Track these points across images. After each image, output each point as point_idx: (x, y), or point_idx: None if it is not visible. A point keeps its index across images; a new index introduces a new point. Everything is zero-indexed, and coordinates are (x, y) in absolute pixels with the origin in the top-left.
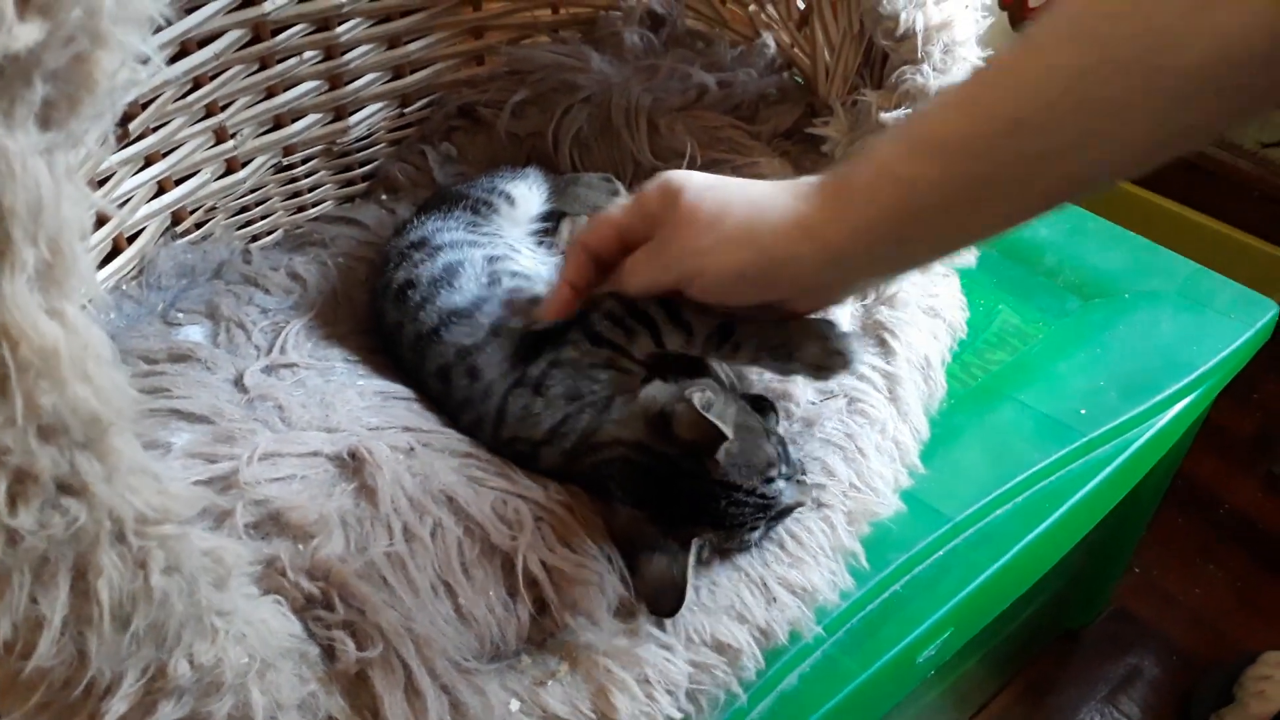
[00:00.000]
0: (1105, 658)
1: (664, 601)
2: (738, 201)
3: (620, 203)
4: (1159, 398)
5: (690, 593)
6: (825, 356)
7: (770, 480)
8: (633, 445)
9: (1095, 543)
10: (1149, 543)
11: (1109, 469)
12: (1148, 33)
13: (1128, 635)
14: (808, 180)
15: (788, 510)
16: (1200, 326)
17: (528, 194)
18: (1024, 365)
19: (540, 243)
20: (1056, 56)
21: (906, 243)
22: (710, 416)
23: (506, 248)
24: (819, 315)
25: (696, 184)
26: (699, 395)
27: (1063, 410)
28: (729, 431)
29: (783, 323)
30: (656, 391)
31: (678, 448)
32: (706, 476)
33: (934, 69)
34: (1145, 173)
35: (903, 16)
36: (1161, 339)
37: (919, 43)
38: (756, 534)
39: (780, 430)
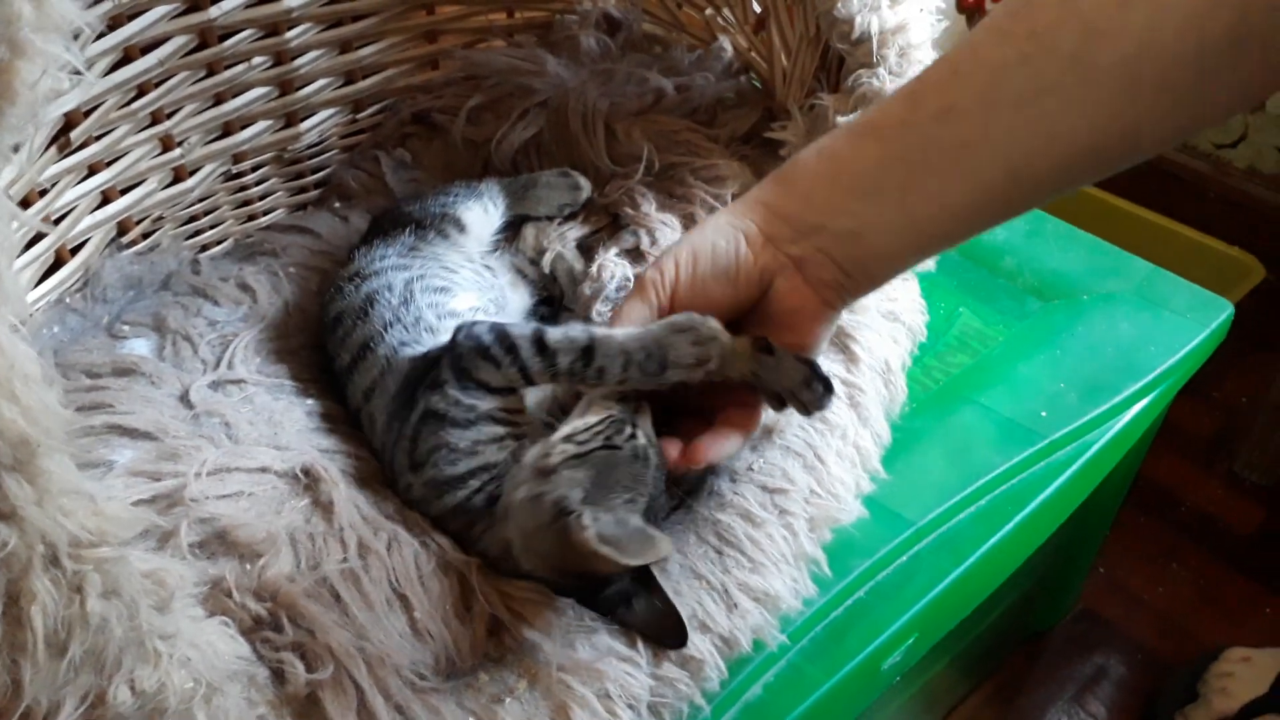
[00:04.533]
0: (1072, 658)
1: (671, 635)
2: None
3: (583, 195)
4: (1118, 399)
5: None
6: (697, 351)
7: (647, 460)
8: (548, 578)
9: (1059, 544)
10: (1112, 543)
11: (1070, 470)
12: (1077, 28)
13: (1093, 635)
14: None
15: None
16: (1158, 327)
17: (483, 217)
18: (985, 368)
19: (496, 251)
20: (988, 51)
21: (846, 215)
22: (632, 560)
23: (439, 268)
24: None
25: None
26: (592, 537)
27: (1023, 413)
28: (657, 552)
29: (646, 331)
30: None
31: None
32: None
33: (889, 72)
34: (1092, 178)
35: (858, 20)
36: (1120, 340)
37: (874, 46)
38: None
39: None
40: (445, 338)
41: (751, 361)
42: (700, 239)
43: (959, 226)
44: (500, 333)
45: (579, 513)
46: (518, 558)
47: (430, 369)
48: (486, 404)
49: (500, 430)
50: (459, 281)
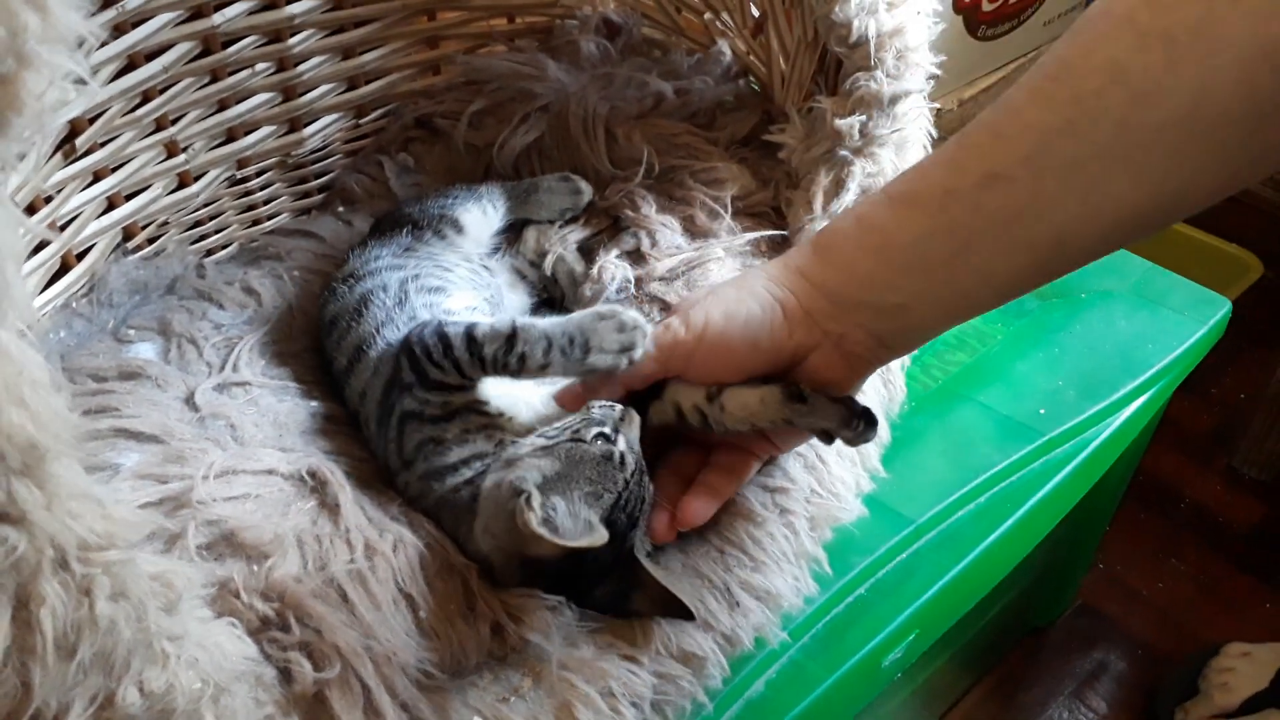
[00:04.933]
0: (1072, 654)
1: (675, 612)
2: (721, 286)
3: (584, 199)
4: (1116, 396)
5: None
6: (620, 335)
7: (624, 464)
8: (503, 565)
9: (1059, 541)
10: (1112, 539)
11: (1069, 468)
12: (1124, 92)
13: (1093, 631)
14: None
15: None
16: (1156, 325)
17: (481, 219)
18: (983, 366)
19: (496, 251)
20: (1032, 115)
21: (891, 290)
22: (566, 542)
23: (434, 267)
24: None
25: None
26: (534, 518)
27: (1022, 410)
28: (591, 540)
29: (569, 318)
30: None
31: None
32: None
33: (887, 75)
34: (1138, 238)
35: (855, 24)
36: (1118, 337)
37: (872, 49)
38: (651, 487)
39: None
40: None
41: (784, 410)
42: (735, 300)
43: (1001, 294)
44: (440, 332)
45: (530, 494)
46: (479, 541)
47: (399, 370)
48: (459, 398)
49: (483, 419)
50: (454, 281)
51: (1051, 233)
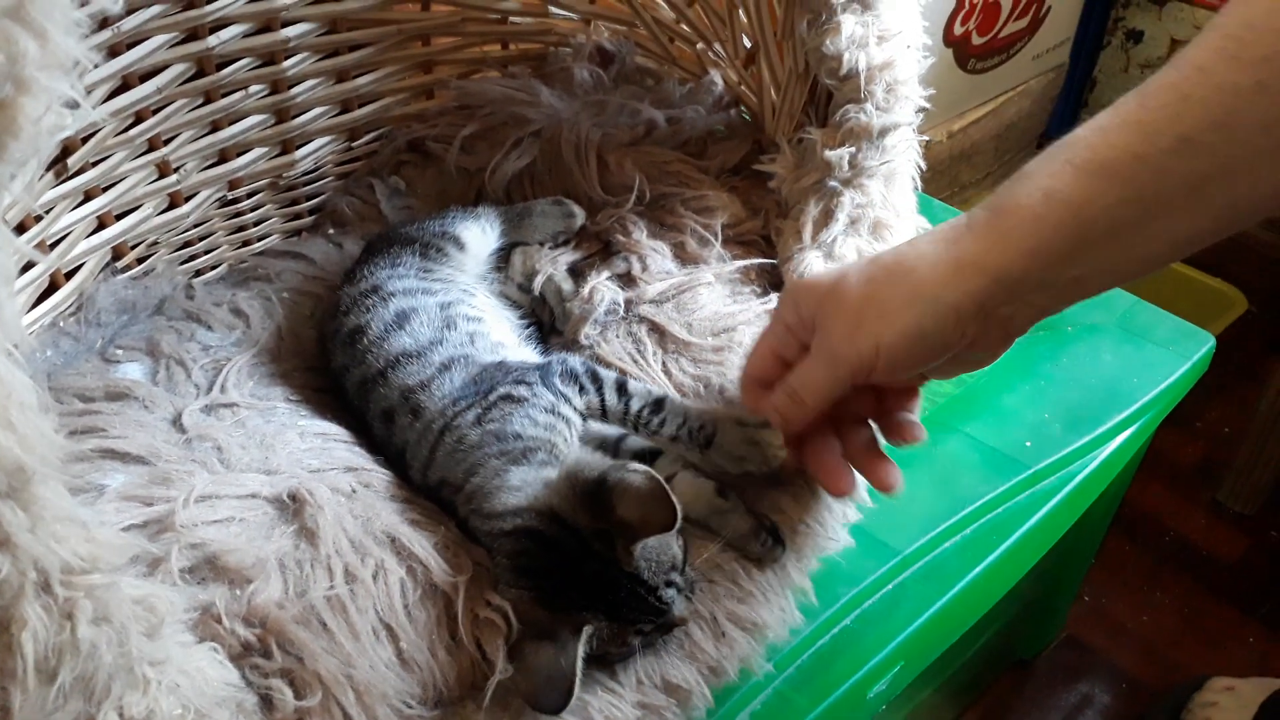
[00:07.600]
0: (1056, 686)
1: (550, 697)
2: (880, 269)
3: (577, 222)
4: (1102, 429)
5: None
6: (744, 446)
7: (670, 584)
8: (540, 513)
9: (1044, 572)
10: (1097, 571)
11: (1055, 500)
12: None
13: (1078, 663)
14: (949, 223)
15: (672, 625)
16: (1141, 359)
17: (480, 237)
18: (970, 398)
19: (489, 277)
20: (1223, 75)
21: (1075, 265)
22: (675, 500)
23: (460, 292)
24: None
25: (829, 275)
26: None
27: (1008, 442)
28: (679, 517)
29: (708, 409)
30: (590, 458)
31: (596, 522)
32: (614, 564)
33: (877, 108)
34: None
35: (846, 56)
36: (1104, 371)
37: (862, 82)
38: (639, 641)
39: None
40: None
41: (711, 505)
42: (900, 326)
43: (1175, 257)
44: (590, 368)
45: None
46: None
47: (511, 372)
48: (566, 409)
49: (559, 423)
50: (480, 306)
51: (1236, 196)
